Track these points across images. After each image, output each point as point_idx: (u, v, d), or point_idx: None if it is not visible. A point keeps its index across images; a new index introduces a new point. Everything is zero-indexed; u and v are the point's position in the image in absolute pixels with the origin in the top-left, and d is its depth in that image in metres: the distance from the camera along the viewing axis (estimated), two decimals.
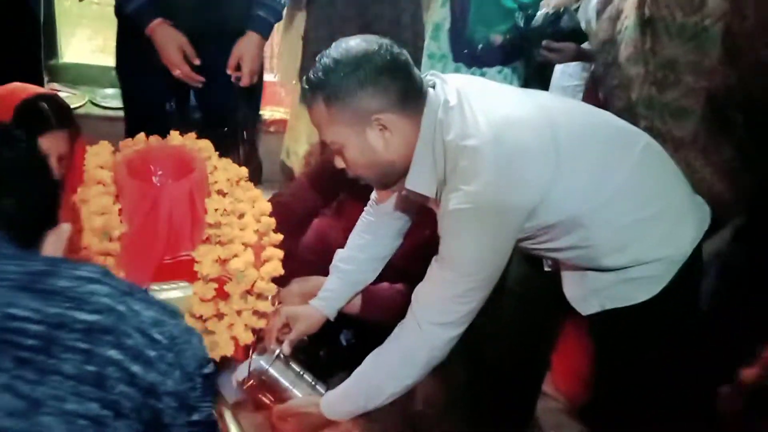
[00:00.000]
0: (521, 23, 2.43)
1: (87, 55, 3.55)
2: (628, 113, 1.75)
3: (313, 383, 1.51)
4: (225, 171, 1.40)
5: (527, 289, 1.75)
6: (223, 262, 1.30)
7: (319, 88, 1.26)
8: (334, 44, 1.30)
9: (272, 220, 1.44)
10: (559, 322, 1.78)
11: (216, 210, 1.31)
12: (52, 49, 3.32)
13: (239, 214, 1.37)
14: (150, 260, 1.28)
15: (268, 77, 2.72)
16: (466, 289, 1.28)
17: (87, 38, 3.66)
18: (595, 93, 2.05)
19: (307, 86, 1.29)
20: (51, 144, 1.47)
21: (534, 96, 1.40)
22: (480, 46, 2.58)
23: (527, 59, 2.63)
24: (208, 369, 0.76)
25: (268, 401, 1.53)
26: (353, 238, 1.68)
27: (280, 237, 1.44)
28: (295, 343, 1.57)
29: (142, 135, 1.47)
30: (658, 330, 1.46)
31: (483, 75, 2.72)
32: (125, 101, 2.26)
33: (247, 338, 1.36)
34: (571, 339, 1.86)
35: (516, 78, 2.68)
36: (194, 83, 1.98)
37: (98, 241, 1.24)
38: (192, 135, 1.49)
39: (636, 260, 1.36)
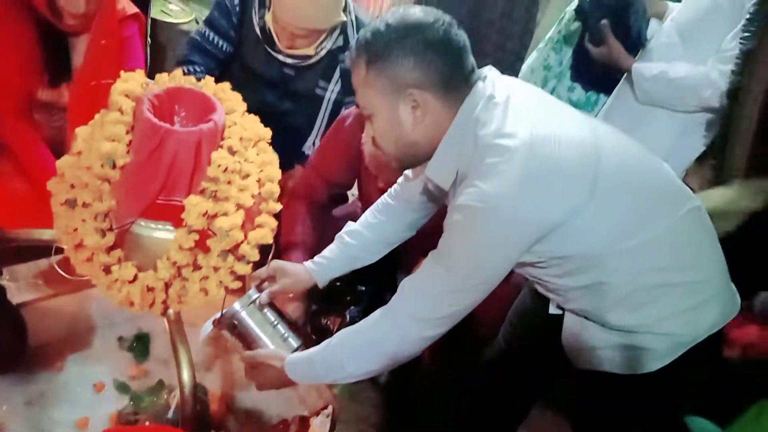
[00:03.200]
0: None
1: None
2: None
3: (285, 335, 1.54)
4: (242, 129, 1.41)
5: (526, 325, 1.73)
6: (211, 217, 1.32)
7: (364, 48, 1.24)
8: (393, 9, 1.27)
9: (276, 188, 1.45)
10: (549, 370, 1.74)
11: (219, 166, 1.32)
12: None
13: (244, 174, 1.39)
14: (144, 196, 1.31)
15: None
16: (453, 290, 1.24)
17: None
18: None
19: (354, 45, 1.28)
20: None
21: (591, 122, 1.32)
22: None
23: None
24: None
25: (237, 346, 1.57)
26: (367, 215, 1.68)
27: (279, 206, 1.45)
28: (275, 295, 1.60)
29: (178, 71, 1.50)
30: (644, 407, 1.41)
31: (596, 102, 2.61)
32: None
33: (219, 294, 1.39)
34: None
35: None
36: None
37: (100, 166, 1.29)
38: (226, 85, 1.51)
39: (643, 326, 1.31)
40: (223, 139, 1.39)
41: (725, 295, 1.36)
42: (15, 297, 1.73)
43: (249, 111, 1.55)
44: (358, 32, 2.13)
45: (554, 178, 1.16)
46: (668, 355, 1.32)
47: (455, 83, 1.24)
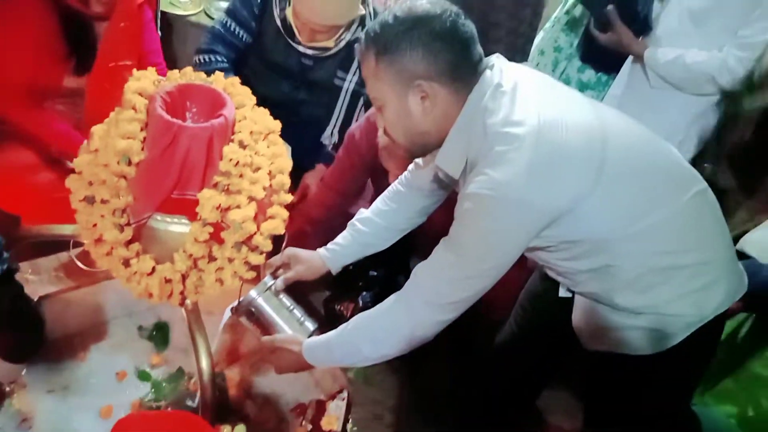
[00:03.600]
0: None
1: None
2: None
3: (301, 319, 1.58)
4: (252, 123, 1.45)
5: (537, 308, 1.76)
6: (225, 210, 1.36)
7: (373, 41, 1.26)
8: (401, 1, 1.30)
9: (287, 180, 1.49)
10: (560, 352, 1.77)
11: (230, 160, 1.36)
12: None
13: (255, 167, 1.42)
14: (159, 191, 1.36)
15: None
16: (465, 276, 1.27)
17: None
18: None
19: (363, 37, 1.30)
20: None
21: (597, 107, 1.34)
22: None
23: None
24: None
25: (256, 332, 1.61)
26: (378, 202, 1.71)
27: (290, 197, 1.49)
28: (290, 281, 1.63)
29: (189, 69, 1.54)
30: (653, 387, 1.43)
31: (606, 83, 2.62)
32: None
33: (234, 285, 1.44)
34: None
35: None
36: None
37: (116, 163, 1.33)
38: (236, 80, 1.54)
39: (652, 308, 1.33)
40: (233, 133, 1.43)
41: (732, 276, 1.38)
42: (38, 290, 1.79)
43: (267, 101, 1.60)
44: None
45: (562, 164, 1.18)
46: (676, 335, 1.34)
47: (463, 73, 1.26)
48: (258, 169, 1.42)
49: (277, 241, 1.55)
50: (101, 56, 1.97)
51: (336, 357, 1.44)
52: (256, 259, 1.43)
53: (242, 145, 1.40)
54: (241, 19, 2.23)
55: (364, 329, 1.39)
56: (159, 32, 2.65)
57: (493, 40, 2.49)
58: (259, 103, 1.75)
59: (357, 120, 2.37)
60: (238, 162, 1.37)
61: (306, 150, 2.32)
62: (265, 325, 1.56)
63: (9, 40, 1.80)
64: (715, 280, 1.33)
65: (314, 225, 2.19)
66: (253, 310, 1.56)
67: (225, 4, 3.19)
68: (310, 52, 2.21)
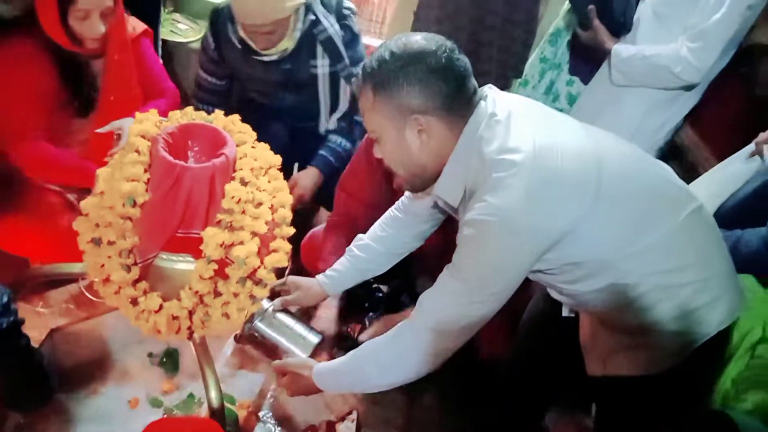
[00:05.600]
0: None
1: None
2: None
3: (303, 335, 1.62)
4: (252, 160, 1.48)
5: (540, 328, 1.77)
6: (228, 246, 1.40)
7: (370, 76, 1.29)
8: (396, 37, 1.32)
9: (289, 213, 1.52)
10: (564, 373, 1.78)
11: (232, 197, 1.40)
12: None
13: (257, 203, 1.46)
14: (164, 231, 1.39)
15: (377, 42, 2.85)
16: (469, 302, 1.29)
17: None
18: None
19: (360, 72, 1.33)
20: None
21: (591, 131, 1.36)
22: None
23: None
24: None
25: (263, 356, 1.65)
26: (375, 228, 1.74)
27: (291, 230, 1.53)
28: (289, 304, 1.68)
29: (189, 108, 1.58)
30: (659, 407, 1.45)
31: None
32: None
33: (240, 319, 1.47)
34: None
35: None
36: None
37: (122, 205, 1.37)
38: (236, 117, 1.58)
39: (656, 326, 1.34)
40: (235, 170, 1.46)
41: (733, 292, 1.39)
42: (49, 322, 1.83)
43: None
44: (324, 5, 2.18)
45: (559, 188, 1.20)
46: (680, 352, 1.36)
47: (458, 106, 1.28)
48: (260, 204, 1.46)
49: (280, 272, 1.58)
50: (103, 92, 1.97)
51: (345, 383, 1.46)
52: (261, 292, 1.46)
53: (243, 182, 1.44)
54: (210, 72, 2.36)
55: (372, 358, 1.41)
56: (161, 60, 2.69)
57: (485, 59, 2.53)
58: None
59: (348, 99, 2.38)
60: (240, 199, 1.41)
61: (310, 145, 2.38)
62: (270, 347, 1.60)
63: (12, 91, 1.79)
64: (717, 296, 1.34)
65: (337, 232, 2.11)
66: (256, 335, 1.59)
67: None
68: (276, 57, 2.20)
